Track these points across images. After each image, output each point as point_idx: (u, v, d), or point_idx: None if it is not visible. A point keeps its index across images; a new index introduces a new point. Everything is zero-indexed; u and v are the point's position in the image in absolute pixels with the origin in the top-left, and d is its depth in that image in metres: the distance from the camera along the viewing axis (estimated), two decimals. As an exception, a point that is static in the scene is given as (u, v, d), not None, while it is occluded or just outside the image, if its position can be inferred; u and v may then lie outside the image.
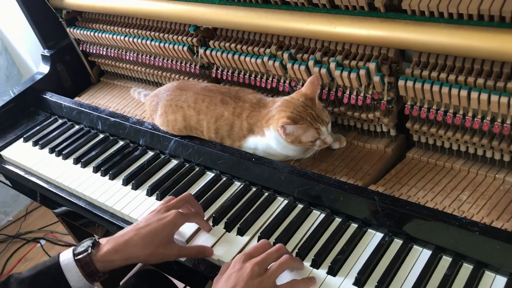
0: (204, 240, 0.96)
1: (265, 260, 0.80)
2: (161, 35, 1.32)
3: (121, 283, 1.24)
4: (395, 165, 1.04)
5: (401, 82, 0.92)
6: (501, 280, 0.75)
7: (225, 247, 0.93)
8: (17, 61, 2.34)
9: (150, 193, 1.11)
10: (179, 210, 0.95)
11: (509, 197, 0.89)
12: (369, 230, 0.89)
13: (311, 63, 1.04)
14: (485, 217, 0.87)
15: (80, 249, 0.88)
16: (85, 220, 1.22)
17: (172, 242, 0.92)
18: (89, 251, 0.87)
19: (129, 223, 1.07)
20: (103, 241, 0.90)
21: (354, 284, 0.81)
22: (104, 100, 1.57)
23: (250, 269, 0.77)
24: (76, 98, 1.61)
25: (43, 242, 2.42)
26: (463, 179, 0.96)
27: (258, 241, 0.92)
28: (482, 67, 0.85)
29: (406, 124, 1.01)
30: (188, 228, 0.98)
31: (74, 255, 0.87)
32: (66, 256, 0.87)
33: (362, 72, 0.96)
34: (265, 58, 1.12)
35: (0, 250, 2.42)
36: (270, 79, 1.17)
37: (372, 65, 0.95)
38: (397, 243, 0.85)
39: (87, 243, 0.88)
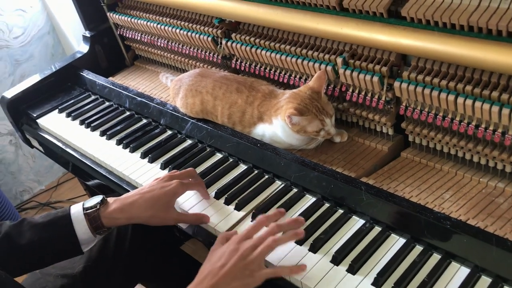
0: (205, 212, 1.05)
1: (258, 243, 0.85)
2: (189, 25, 1.42)
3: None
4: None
5: (396, 84, 0.99)
6: (465, 271, 0.82)
7: (222, 219, 1.02)
8: (62, 40, 2.50)
9: (163, 166, 1.21)
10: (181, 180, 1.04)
11: (488, 200, 0.95)
12: (353, 216, 0.96)
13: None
14: (462, 215, 0.92)
15: (89, 204, 0.98)
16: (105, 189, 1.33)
17: (171, 208, 1.01)
18: (98, 207, 0.97)
19: (142, 191, 1.18)
20: (110, 200, 1.00)
21: (331, 261, 0.88)
22: (135, 82, 1.69)
23: (242, 252, 0.83)
24: (110, 78, 1.73)
25: (70, 212, 2.57)
26: (449, 180, 1.02)
27: (252, 218, 1.01)
28: (473, 75, 0.91)
29: (401, 124, 1.07)
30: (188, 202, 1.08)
31: (84, 209, 0.97)
32: (76, 209, 0.98)
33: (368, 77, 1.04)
34: (281, 55, 1.20)
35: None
36: (283, 73, 1.25)
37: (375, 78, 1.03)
38: (376, 230, 0.92)
39: (96, 200, 0.99)
